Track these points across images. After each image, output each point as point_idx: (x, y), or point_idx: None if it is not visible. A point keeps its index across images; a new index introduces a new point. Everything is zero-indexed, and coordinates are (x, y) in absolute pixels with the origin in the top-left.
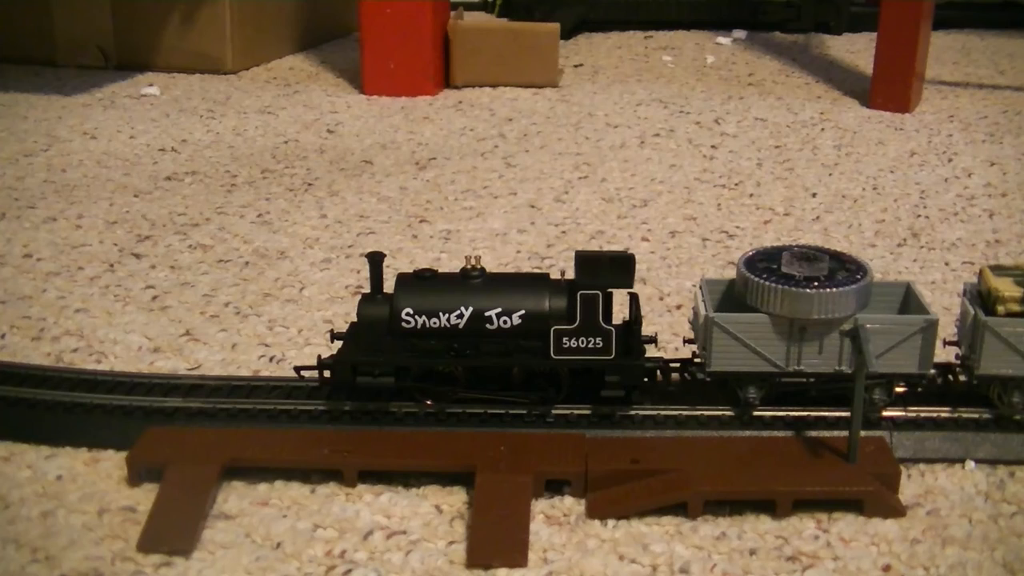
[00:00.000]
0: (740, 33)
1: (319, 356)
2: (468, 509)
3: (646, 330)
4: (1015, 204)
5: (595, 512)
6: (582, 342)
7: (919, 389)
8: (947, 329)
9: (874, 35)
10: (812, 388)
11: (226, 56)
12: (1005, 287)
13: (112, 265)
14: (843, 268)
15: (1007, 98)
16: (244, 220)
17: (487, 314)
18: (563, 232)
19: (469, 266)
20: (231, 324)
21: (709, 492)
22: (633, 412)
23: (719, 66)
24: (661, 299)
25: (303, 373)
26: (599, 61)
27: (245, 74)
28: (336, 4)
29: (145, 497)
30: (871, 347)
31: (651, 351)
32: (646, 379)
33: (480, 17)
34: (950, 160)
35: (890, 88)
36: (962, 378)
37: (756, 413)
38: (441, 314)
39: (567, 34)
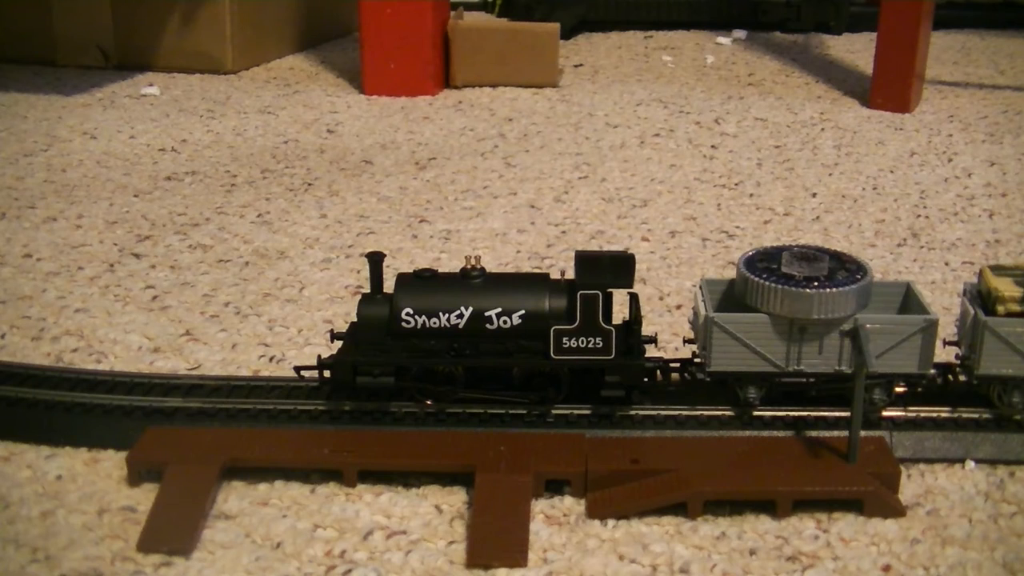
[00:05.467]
0: (740, 33)
1: (319, 356)
2: (468, 509)
3: (646, 330)
4: (1015, 204)
5: (595, 512)
6: (582, 342)
7: (919, 389)
8: (947, 329)
9: (874, 35)
10: (812, 388)
11: (226, 56)
12: (1005, 287)
13: (112, 265)
14: (843, 268)
15: (1007, 98)
16: (244, 220)
17: (487, 314)
18: (563, 232)
19: (469, 266)
20: (231, 324)
21: (709, 492)
22: (633, 412)
23: (719, 66)
24: (661, 299)
25: (303, 373)
26: (599, 61)
27: (245, 74)
28: (336, 4)
29: (145, 497)
30: (871, 347)
31: (651, 351)
32: (646, 379)
33: (480, 17)
34: (950, 160)
35: (890, 88)
36: (962, 378)
37: (756, 413)
38: (441, 314)
39: (567, 34)
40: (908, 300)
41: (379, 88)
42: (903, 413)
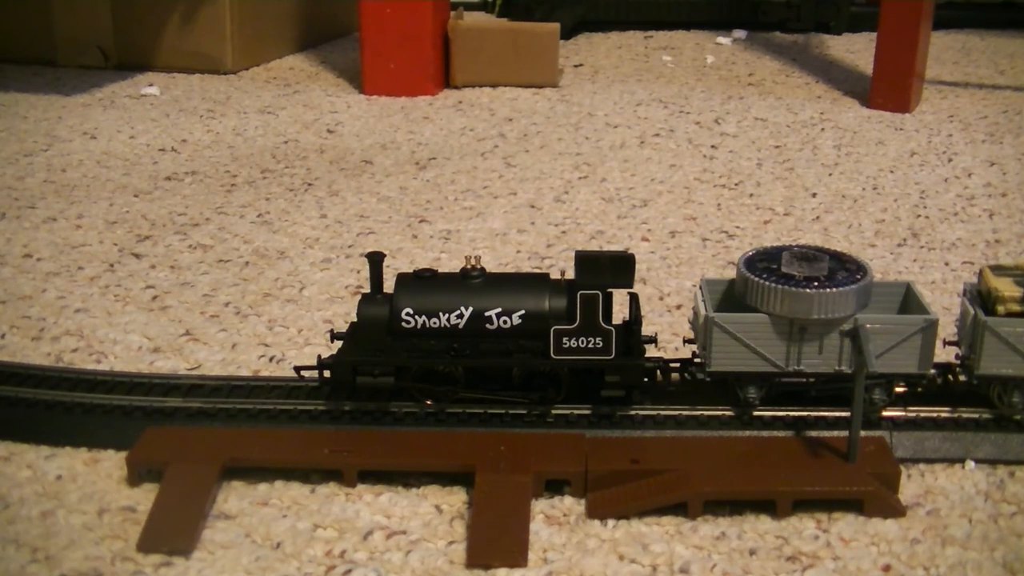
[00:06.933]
0: (740, 33)
1: (319, 356)
2: (468, 509)
3: (646, 330)
4: (1015, 204)
5: (595, 512)
6: (582, 342)
7: (919, 389)
8: (947, 329)
9: (874, 35)
10: (812, 388)
11: (226, 56)
12: (1005, 287)
13: (112, 265)
14: (843, 268)
15: (1007, 98)
16: (244, 220)
17: (487, 314)
18: (563, 232)
19: (469, 266)
20: (231, 324)
21: (709, 492)
22: (633, 412)
23: (719, 66)
24: (661, 299)
25: (303, 373)
26: (599, 61)
27: (245, 74)
28: (336, 4)
29: (145, 497)
30: (871, 347)
31: (651, 351)
32: (646, 379)
33: (480, 17)
34: (950, 160)
35: (890, 88)
36: (962, 378)
37: (756, 413)
38: (441, 314)
39: (567, 34)
40: (908, 300)
41: (379, 88)
42: (903, 413)
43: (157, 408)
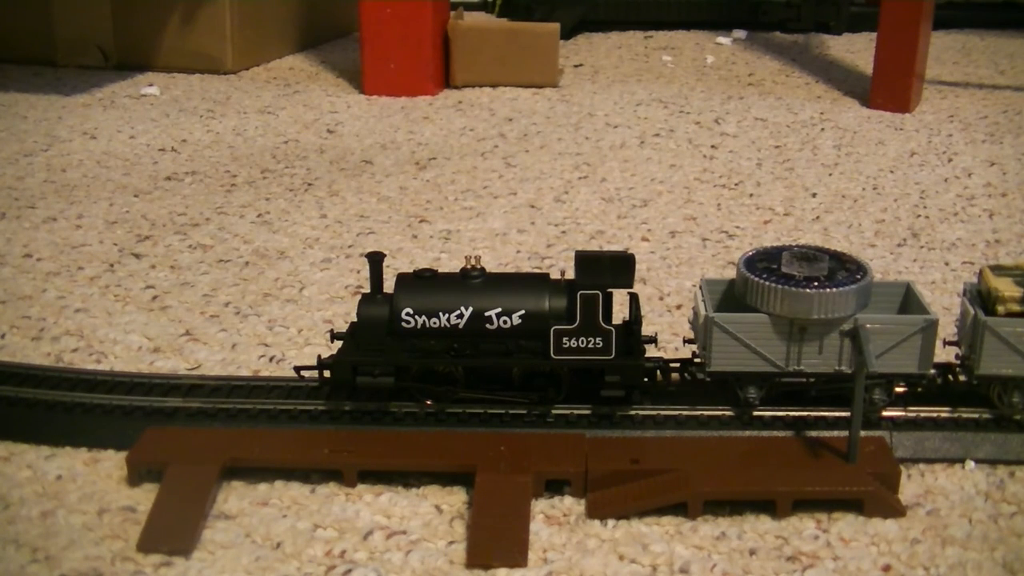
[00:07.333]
0: (740, 33)
1: (319, 356)
2: (468, 509)
3: (646, 330)
4: (1015, 204)
5: (595, 512)
6: (582, 342)
7: (919, 389)
8: (947, 329)
9: (874, 35)
10: (812, 388)
11: (226, 56)
12: (1005, 287)
13: (112, 265)
14: (843, 268)
15: (1007, 98)
16: (244, 220)
17: (487, 314)
18: (563, 232)
19: (469, 266)
20: (231, 324)
21: (709, 492)
22: (633, 412)
23: (719, 66)
24: (661, 299)
25: (303, 373)
26: (599, 61)
27: (245, 74)
28: (336, 4)
29: (145, 497)
30: (871, 347)
31: (651, 351)
32: (646, 379)
33: (480, 17)
34: (950, 160)
35: (890, 88)
36: (962, 378)
37: (756, 413)
38: (441, 314)
39: (567, 34)
40: (908, 300)
41: (379, 88)
42: (903, 413)
43: (157, 408)
